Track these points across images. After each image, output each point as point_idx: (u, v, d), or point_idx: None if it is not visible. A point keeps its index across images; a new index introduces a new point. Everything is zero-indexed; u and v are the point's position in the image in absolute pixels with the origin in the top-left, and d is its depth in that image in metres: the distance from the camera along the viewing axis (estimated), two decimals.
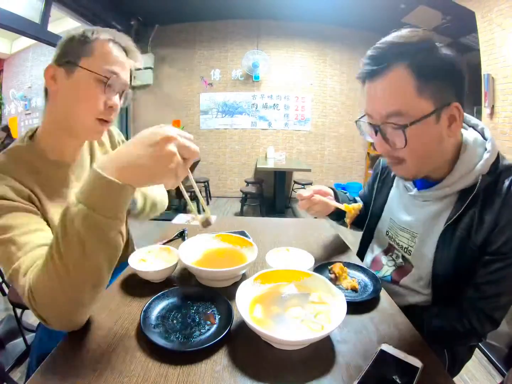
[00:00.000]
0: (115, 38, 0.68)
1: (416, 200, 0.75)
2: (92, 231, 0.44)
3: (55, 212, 0.70)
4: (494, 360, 1.48)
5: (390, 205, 0.86)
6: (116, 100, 0.70)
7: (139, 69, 0.77)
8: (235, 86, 5.23)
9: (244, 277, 0.74)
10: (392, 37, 0.58)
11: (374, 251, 0.90)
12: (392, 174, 0.88)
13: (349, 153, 5.50)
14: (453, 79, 0.58)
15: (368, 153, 5.38)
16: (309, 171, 4.35)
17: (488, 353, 1.51)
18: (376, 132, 0.61)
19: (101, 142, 0.89)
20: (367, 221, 0.94)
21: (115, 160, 0.46)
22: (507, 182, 0.61)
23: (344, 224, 0.99)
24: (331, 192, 0.92)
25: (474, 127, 0.71)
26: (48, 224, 0.68)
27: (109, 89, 0.68)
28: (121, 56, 0.70)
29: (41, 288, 0.47)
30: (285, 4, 4.39)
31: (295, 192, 4.98)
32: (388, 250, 0.85)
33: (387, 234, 0.85)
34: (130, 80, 0.74)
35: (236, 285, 0.61)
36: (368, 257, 0.92)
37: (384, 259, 0.85)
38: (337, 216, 0.96)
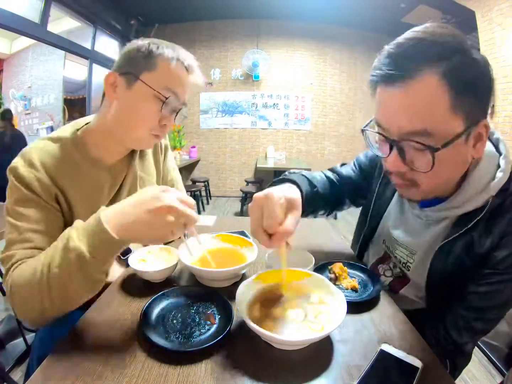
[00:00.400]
0: (179, 56, 0.68)
1: (418, 219, 0.69)
2: (82, 268, 0.49)
3: (82, 214, 0.70)
4: (494, 360, 1.48)
5: (389, 216, 0.79)
6: (170, 120, 0.71)
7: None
8: (235, 85, 5.23)
9: (244, 277, 0.74)
10: (418, 31, 0.46)
11: (370, 260, 0.87)
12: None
13: (349, 153, 5.50)
14: (486, 91, 0.48)
15: None
16: (309, 171, 4.35)
17: (488, 353, 1.51)
18: (391, 148, 0.51)
19: (143, 152, 0.89)
20: (366, 228, 0.87)
21: (119, 217, 0.51)
22: None
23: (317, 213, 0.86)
24: (298, 206, 0.58)
25: (489, 136, 0.61)
26: (66, 224, 0.71)
27: (166, 107, 0.69)
28: (183, 75, 0.69)
29: (21, 290, 0.53)
30: (285, 3, 4.39)
31: None
32: (384, 259, 0.82)
33: (384, 243, 0.81)
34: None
35: (236, 285, 0.61)
36: (368, 263, 0.89)
37: (381, 269, 0.82)
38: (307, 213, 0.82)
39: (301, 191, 0.66)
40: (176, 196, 0.52)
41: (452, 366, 0.72)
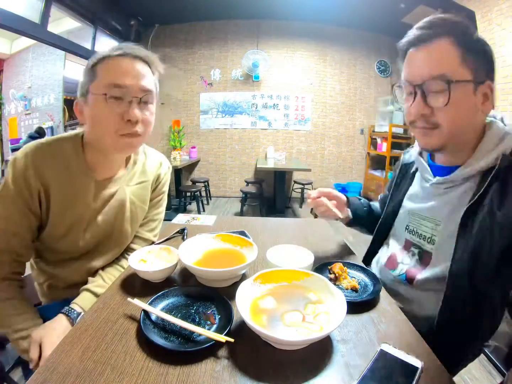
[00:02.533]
0: (111, 51, 0.70)
1: (436, 189, 0.75)
2: None
3: (57, 215, 0.76)
4: (494, 360, 1.48)
5: (409, 200, 0.84)
6: (133, 112, 0.70)
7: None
8: (235, 86, 5.23)
9: (244, 277, 0.74)
10: (435, 17, 0.64)
11: (390, 249, 0.87)
12: (411, 171, 0.87)
13: (349, 153, 5.50)
14: (487, 60, 0.64)
15: (368, 153, 5.38)
16: (309, 171, 4.36)
17: (488, 353, 1.51)
18: (415, 96, 0.64)
19: (144, 170, 0.91)
20: (381, 220, 0.93)
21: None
22: None
23: (359, 227, 1.03)
24: (342, 198, 0.92)
25: (494, 117, 0.73)
26: (41, 225, 0.77)
27: (117, 101, 0.69)
28: (124, 65, 0.70)
29: None
30: (285, 3, 4.39)
31: (295, 192, 4.99)
32: (405, 247, 0.83)
33: (407, 229, 0.82)
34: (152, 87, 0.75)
35: (236, 285, 0.61)
36: (383, 255, 0.89)
37: (400, 257, 0.82)
38: (350, 223, 0.99)
39: (347, 198, 0.95)
40: None
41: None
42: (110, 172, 0.82)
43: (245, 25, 5.09)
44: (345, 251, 0.93)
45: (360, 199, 1.01)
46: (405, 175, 0.89)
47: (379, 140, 5.07)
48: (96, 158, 0.79)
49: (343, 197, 0.93)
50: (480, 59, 0.62)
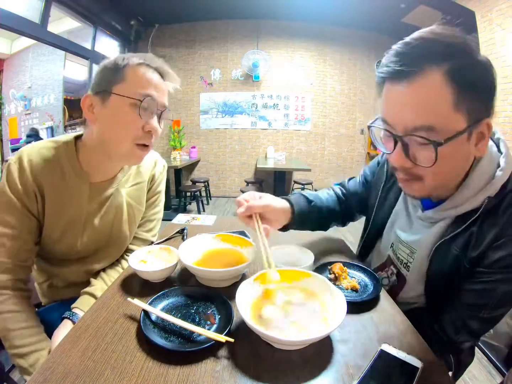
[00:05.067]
0: (145, 60, 0.69)
1: (423, 221, 0.70)
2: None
3: (51, 217, 0.76)
4: (494, 360, 1.48)
5: (396, 218, 0.79)
6: (155, 124, 0.70)
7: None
8: (235, 86, 5.23)
9: (244, 277, 0.74)
10: (425, 32, 0.48)
11: (371, 265, 0.88)
12: (398, 185, 0.80)
13: (349, 153, 5.50)
14: (488, 91, 0.50)
15: (368, 153, 5.38)
16: (309, 171, 4.36)
17: (488, 353, 1.51)
18: (395, 144, 0.53)
19: (138, 171, 0.91)
20: (368, 231, 0.89)
21: None
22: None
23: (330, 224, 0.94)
24: (284, 209, 0.74)
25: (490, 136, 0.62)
26: (41, 226, 0.77)
27: (145, 112, 0.68)
28: (155, 78, 0.70)
29: None
30: (285, 3, 4.39)
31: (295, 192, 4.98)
32: (384, 265, 0.82)
33: (392, 247, 0.80)
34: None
35: (236, 285, 0.61)
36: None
37: (380, 276, 0.82)
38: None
39: (291, 205, 0.77)
40: None
41: (456, 362, 0.73)
42: (106, 175, 0.81)
43: (245, 25, 5.09)
44: (345, 251, 0.93)
45: (304, 196, 0.85)
46: (391, 188, 0.81)
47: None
48: (93, 161, 0.77)
49: (283, 206, 0.74)
50: (481, 93, 0.49)
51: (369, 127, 0.59)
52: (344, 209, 0.93)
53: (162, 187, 1.00)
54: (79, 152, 0.77)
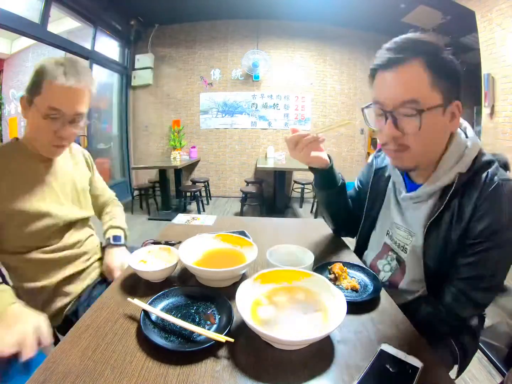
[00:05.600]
0: (59, 76, 0.77)
1: (407, 202, 0.78)
2: None
3: (8, 195, 0.82)
4: (494, 360, 1.48)
5: (387, 206, 0.86)
6: (66, 131, 0.83)
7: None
8: (235, 86, 5.23)
9: (244, 277, 0.74)
10: (410, 35, 0.63)
11: (369, 256, 0.91)
12: (386, 175, 0.88)
13: (349, 153, 5.50)
14: (456, 79, 0.63)
15: (368, 153, 5.38)
16: (309, 171, 4.35)
17: (488, 353, 1.51)
18: (386, 119, 0.64)
19: (72, 155, 1.05)
20: (362, 223, 0.94)
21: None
22: (483, 176, 0.65)
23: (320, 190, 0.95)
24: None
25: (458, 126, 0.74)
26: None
27: (56, 123, 0.80)
28: (67, 90, 0.78)
29: None
30: (285, 3, 4.39)
31: (295, 192, 4.98)
32: (382, 253, 0.86)
33: (388, 234, 0.85)
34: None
35: (236, 285, 0.61)
36: (366, 261, 0.93)
37: (380, 264, 0.86)
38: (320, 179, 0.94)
39: (330, 159, 0.95)
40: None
41: (461, 350, 0.74)
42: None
43: (245, 25, 5.09)
44: (345, 251, 0.93)
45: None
46: (380, 179, 0.90)
47: (379, 141, 5.07)
48: (34, 144, 0.88)
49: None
50: (450, 80, 0.62)
51: (362, 109, 0.71)
52: (352, 214, 0.98)
53: (95, 168, 1.17)
54: (24, 143, 0.89)
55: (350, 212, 0.98)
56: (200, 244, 0.80)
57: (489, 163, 0.66)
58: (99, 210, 1.19)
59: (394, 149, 0.67)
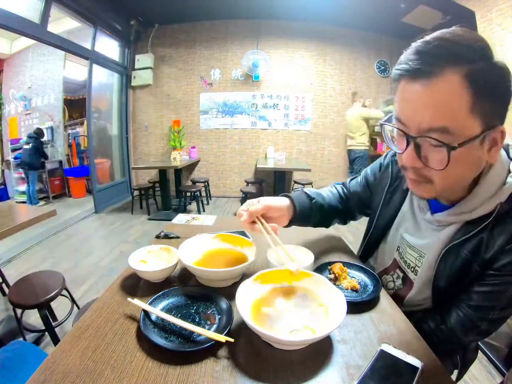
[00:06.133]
0: None
1: (429, 224, 0.69)
2: None
3: None
4: (494, 360, 1.48)
5: (402, 220, 0.78)
6: None
7: None
8: (235, 86, 5.23)
9: (244, 277, 0.74)
10: (446, 33, 0.48)
11: (376, 267, 0.87)
12: (404, 187, 0.78)
13: None
14: (504, 98, 0.48)
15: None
16: (309, 171, 4.35)
17: (488, 353, 1.51)
18: (407, 144, 0.52)
19: None
20: (370, 233, 0.88)
21: None
22: None
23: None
24: (282, 206, 0.77)
25: None
26: None
27: None
28: None
29: None
30: (285, 3, 4.39)
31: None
32: (389, 269, 0.81)
33: (398, 250, 0.79)
34: None
35: (236, 285, 0.61)
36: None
37: (384, 279, 0.82)
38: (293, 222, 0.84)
39: (292, 201, 0.81)
40: None
41: (462, 360, 0.74)
42: None
43: (245, 25, 5.09)
44: (345, 251, 0.93)
45: (306, 193, 0.87)
46: (396, 190, 0.81)
47: (379, 140, 5.07)
48: None
49: (283, 204, 0.78)
50: (497, 99, 0.48)
51: (381, 124, 0.59)
52: (345, 207, 0.95)
53: None
54: None
55: (337, 212, 0.93)
56: (200, 244, 0.80)
57: None
58: None
59: (413, 179, 0.57)
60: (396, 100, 0.53)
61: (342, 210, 0.94)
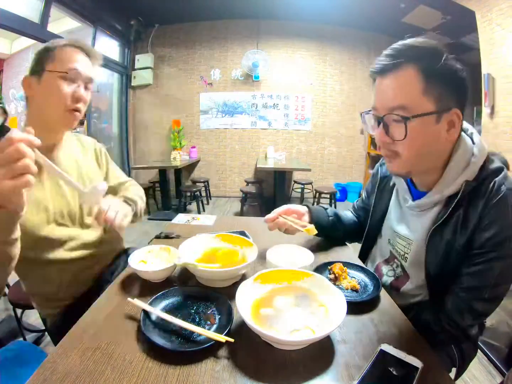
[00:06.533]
0: (70, 42, 0.84)
1: (413, 211, 0.77)
2: None
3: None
4: (494, 359, 1.48)
5: (390, 214, 0.86)
6: (81, 92, 0.84)
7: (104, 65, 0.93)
8: (235, 86, 5.23)
9: (244, 277, 0.74)
10: (408, 40, 0.62)
11: (376, 259, 0.91)
12: (391, 183, 0.88)
13: (349, 153, 5.50)
14: (456, 87, 0.61)
15: (368, 153, 5.38)
16: (309, 171, 4.36)
17: (488, 353, 1.51)
18: (378, 124, 0.65)
19: (82, 146, 1.03)
20: (367, 229, 0.95)
21: None
22: (490, 185, 0.63)
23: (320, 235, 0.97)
24: (301, 210, 0.93)
25: (464, 131, 0.72)
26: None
27: (72, 82, 0.82)
28: (79, 55, 0.84)
29: None
30: (285, 3, 4.39)
31: (295, 192, 4.99)
32: (389, 259, 0.86)
33: (389, 242, 0.85)
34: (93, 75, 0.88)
35: (236, 285, 0.61)
36: (369, 265, 0.93)
37: (384, 269, 0.86)
38: (325, 229, 0.95)
39: (309, 209, 0.96)
40: None
41: (459, 355, 0.75)
42: (51, 140, 0.88)
43: (245, 25, 5.09)
44: (345, 251, 0.93)
45: (326, 209, 0.99)
46: (385, 187, 0.90)
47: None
48: (40, 137, 0.78)
49: (302, 209, 0.93)
50: (448, 87, 0.60)
51: (361, 114, 0.72)
52: (360, 226, 1.02)
53: (110, 161, 1.13)
54: None
55: (354, 226, 1.02)
56: (200, 244, 0.80)
57: (497, 171, 0.65)
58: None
59: (386, 155, 0.68)
60: (373, 94, 0.67)
61: (358, 226, 1.02)
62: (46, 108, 0.83)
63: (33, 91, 0.82)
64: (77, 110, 0.84)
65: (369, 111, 0.69)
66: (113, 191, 1.09)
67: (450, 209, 0.66)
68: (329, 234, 0.97)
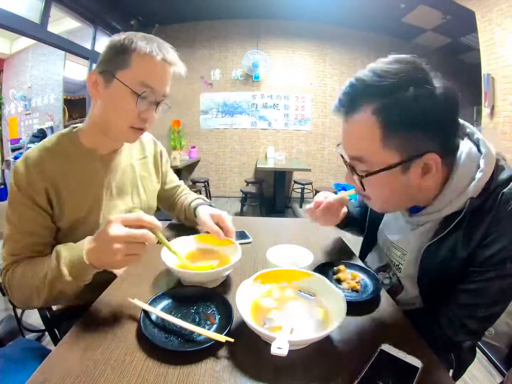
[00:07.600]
0: (153, 49, 0.68)
1: (409, 225, 0.72)
2: (64, 285, 0.60)
3: (73, 203, 0.75)
4: (494, 360, 1.48)
5: (386, 223, 0.83)
6: (151, 113, 0.74)
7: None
8: (235, 86, 5.23)
9: (238, 277, 0.74)
10: (368, 71, 0.52)
11: (374, 265, 0.88)
12: None
13: None
14: (430, 126, 0.51)
15: None
16: (309, 171, 4.36)
17: (488, 353, 1.51)
18: (347, 166, 0.61)
19: (142, 147, 0.96)
20: (366, 231, 0.92)
21: (90, 252, 0.58)
22: (498, 197, 0.56)
23: (351, 231, 0.99)
24: (345, 199, 0.85)
25: (469, 135, 0.64)
26: (54, 220, 0.75)
27: (143, 102, 0.70)
28: (160, 68, 0.70)
29: (19, 290, 0.67)
30: (285, 3, 4.39)
31: (295, 192, 4.99)
32: (385, 267, 0.83)
33: (385, 250, 0.83)
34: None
35: (236, 285, 0.61)
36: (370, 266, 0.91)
37: (381, 276, 0.83)
38: (344, 225, 0.94)
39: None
40: (122, 220, 0.56)
41: (457, 360, 0.74)
42: (111, 148, 0.83)
43: (245, 25, 5.09)
44: (345, 251, 0.93)
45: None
46: None
47: None
48: (95, 138, 0.78)
49: (345, 198, 0.85)
50: (417, 130, 0.50)
51: (338, 145, 0.64)
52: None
53: (166, 159, 1.06)
54: (79, 136, 0.78)
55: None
56: (182, 246, 0.79)
57: (507, 182, 0.56)
58: (171, 202, 1.09)
59: (359, 194, 0.64)
60: None
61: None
62: (109, 119, 0.73)
63: (98, 93, 0.71)
64: (142, 129, 0.77)
65: (339, 144, 0.63)
66: (167, 195, 1.07)
67: (451, 227, 0.60)
68: (358, 225, 0.96)
